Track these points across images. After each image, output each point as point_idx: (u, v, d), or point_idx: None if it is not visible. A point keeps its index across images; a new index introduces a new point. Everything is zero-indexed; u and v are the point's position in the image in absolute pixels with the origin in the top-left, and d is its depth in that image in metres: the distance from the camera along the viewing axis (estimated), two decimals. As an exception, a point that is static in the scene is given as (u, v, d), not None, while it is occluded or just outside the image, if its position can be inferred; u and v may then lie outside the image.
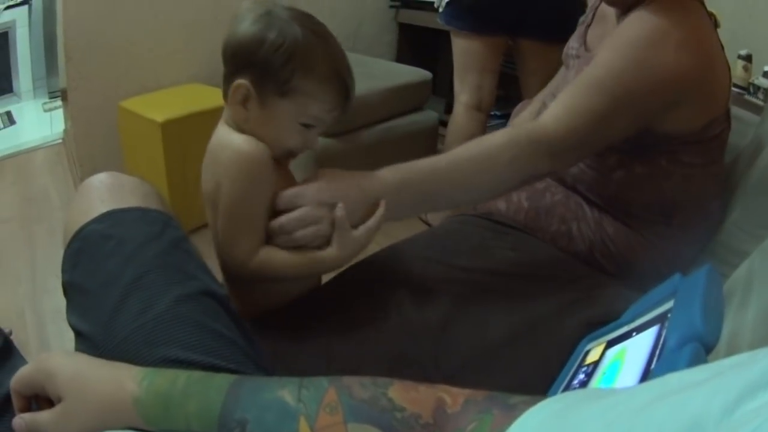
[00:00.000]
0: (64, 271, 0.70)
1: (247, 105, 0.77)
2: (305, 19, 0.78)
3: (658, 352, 0.54)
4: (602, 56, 0.88)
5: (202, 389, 0.51)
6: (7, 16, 3.53)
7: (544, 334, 0.84)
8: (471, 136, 1.96)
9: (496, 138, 0.86)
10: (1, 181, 2.66)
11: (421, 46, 3.06)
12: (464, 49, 1.75)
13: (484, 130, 1.85)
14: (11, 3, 3.49)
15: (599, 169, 0.99)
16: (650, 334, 0.59)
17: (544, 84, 1.43)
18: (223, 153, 0.78)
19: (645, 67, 0.84)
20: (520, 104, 1.50)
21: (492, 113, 1.94)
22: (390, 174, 0.82)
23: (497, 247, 0.98)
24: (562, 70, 1.25)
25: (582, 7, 1.71)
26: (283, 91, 0.76)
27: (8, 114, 3.48)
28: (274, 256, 0.78)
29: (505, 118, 1.55)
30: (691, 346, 0.48)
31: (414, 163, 0.84)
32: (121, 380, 0.53)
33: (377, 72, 2.40)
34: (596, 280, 0.95)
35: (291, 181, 0.84)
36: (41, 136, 3.13)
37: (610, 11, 1.04)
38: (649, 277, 0.80)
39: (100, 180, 0.75)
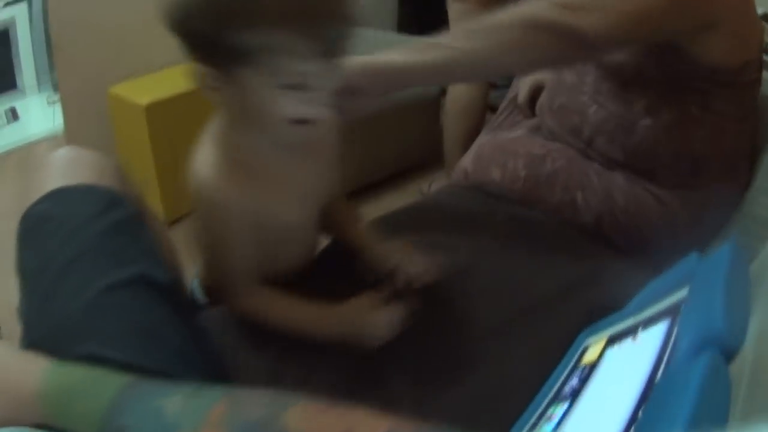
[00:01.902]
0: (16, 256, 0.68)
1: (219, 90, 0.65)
2: None
3: (666, 356, 0.42)
4: None
5: (93, 389, 0.49)
6: (7, 13, 3.51)
7: (540, 321, 0.74)
8: (471, 105, 1.81)
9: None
10: (1, 175, 2.61)
11: (423, 15, 2.95)
12: (462, 12, 1.63)
13: (486, 98, 1.74)
14: (10, 0, 3.47)
15: (625, 115, 0.89)
16: (659, 331, 0.47)
17: None
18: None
19: None
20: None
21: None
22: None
23: (487, 221, 0.88)
24: None
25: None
26: (236, 59, 0.61)
27: (12, 110, 3.47)
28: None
29: (506, 88, 1.41)
30: (707, 355, 0.36)
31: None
32: (28, 372, 0.51)
33: (378, 43, 2.29)
34: (601, 258, 0.84)
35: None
36: (44, 129, 3.12)
37: None
38: (663, 252, 0.69)
39: (60, 155, 0.72)
